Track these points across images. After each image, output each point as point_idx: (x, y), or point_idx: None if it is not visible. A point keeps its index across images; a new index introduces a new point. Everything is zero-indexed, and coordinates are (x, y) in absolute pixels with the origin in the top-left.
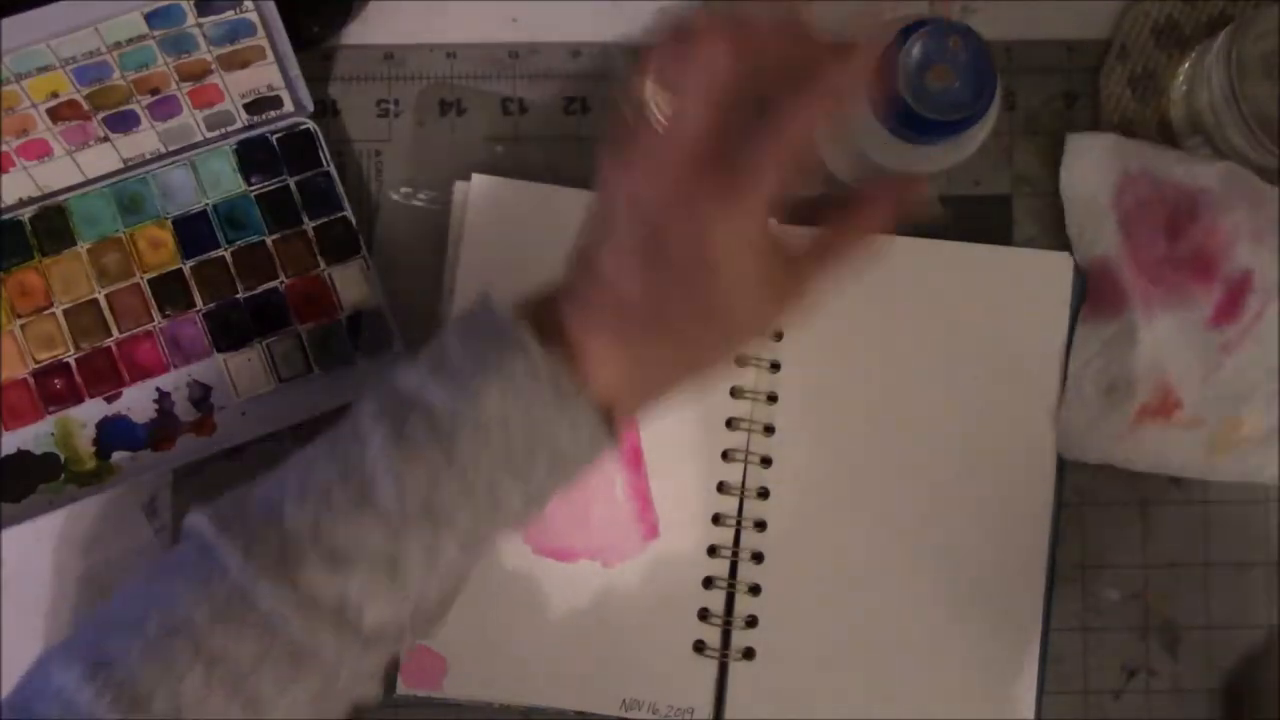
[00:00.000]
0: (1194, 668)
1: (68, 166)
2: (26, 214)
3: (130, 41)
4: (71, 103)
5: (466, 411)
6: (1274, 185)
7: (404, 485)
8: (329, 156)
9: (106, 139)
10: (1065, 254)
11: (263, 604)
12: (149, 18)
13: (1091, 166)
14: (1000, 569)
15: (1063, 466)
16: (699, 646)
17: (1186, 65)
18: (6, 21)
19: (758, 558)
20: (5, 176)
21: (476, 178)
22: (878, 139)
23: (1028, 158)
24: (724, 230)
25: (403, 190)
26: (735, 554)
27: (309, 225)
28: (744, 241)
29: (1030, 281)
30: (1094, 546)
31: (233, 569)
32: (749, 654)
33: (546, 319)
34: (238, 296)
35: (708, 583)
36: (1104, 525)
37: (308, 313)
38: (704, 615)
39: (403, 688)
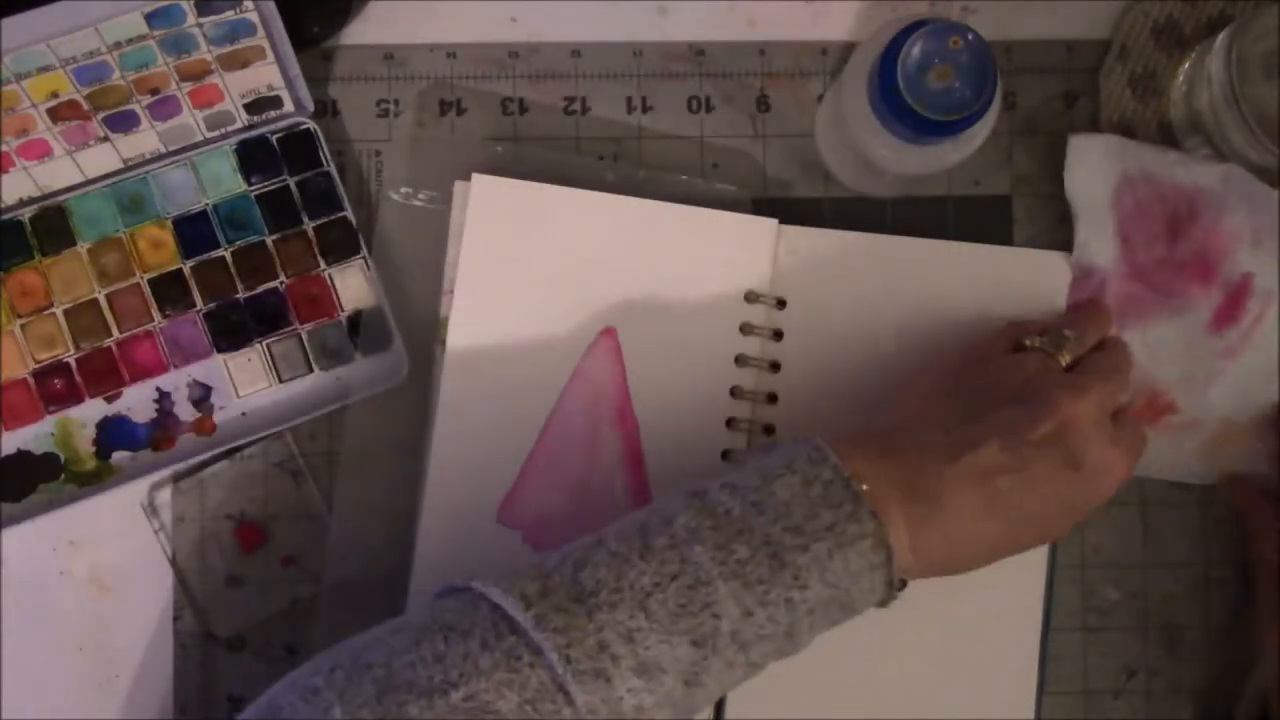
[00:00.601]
0: (1194, 668)
1: (68, 166)
2: (26, 214)
3: (130, 41)
4: (71, 103)
5: (793, 558)
6: (1274, 188)
7: (722, 608)
8: (329, 156)
9: (106, 139)
10: (1063, 253)
11: (577, 705)
12: (149, 18)
13: (1092, 168)
14: (1000, 569)
15: None
16: None
17: (1186, 65)
18: (6, 21)
19: None
20: (5, 176)
21: (476, 178)
22: (878, 139)
23: (1028, 158)
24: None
25: (403, 190)
26: None
27: (309, 225)
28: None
29: (1028, 281)
30: (1094, 546)
31: (554, 665)
32: None
33: (874, 481)
34: (238, 296)
35: None
36: (1104, 525)
37: (308, 313)
38: None
39: None
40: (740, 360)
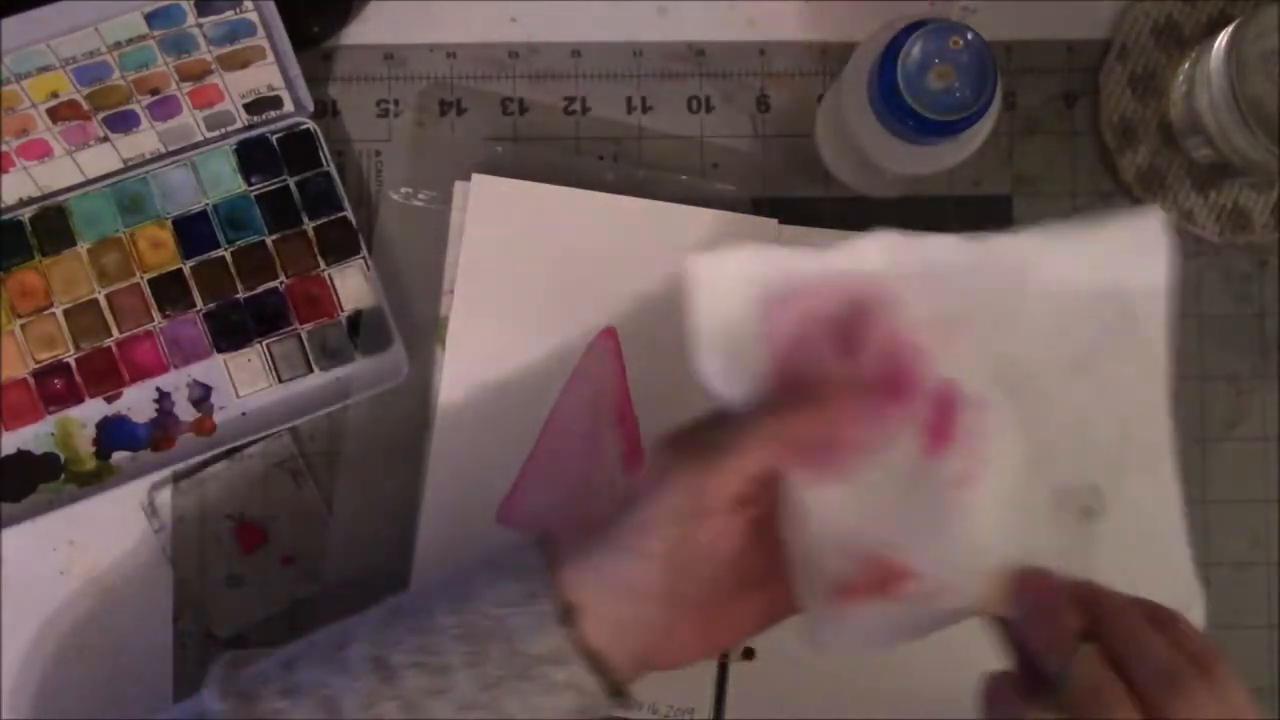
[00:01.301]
0: None
1: (68, 166)
2: (26, 214)
3: (130, 41)
4: (71, 103)
5: (453, 604)
6: (960, 241)
7: (370, 640)
8: (329, 156)
9: (106, 139)
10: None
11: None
12: (149, 18)
13: (723, 292)
14: None
15: None
16: None
17: (1186, 65)
18: (6, 21)
19: None
20: (5, 176)
21: (476, 178)
22: (878, 139)
23: (1028, 158)
24: None
25: (403, 190)
26: None
27: (309, 225)
28: None
29: None
30: None
31: (206, 697)
32: (749, 654)
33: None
34: (238, 296)
35: None
36: None
37: (308, 313)
38: None
39: None
40: None
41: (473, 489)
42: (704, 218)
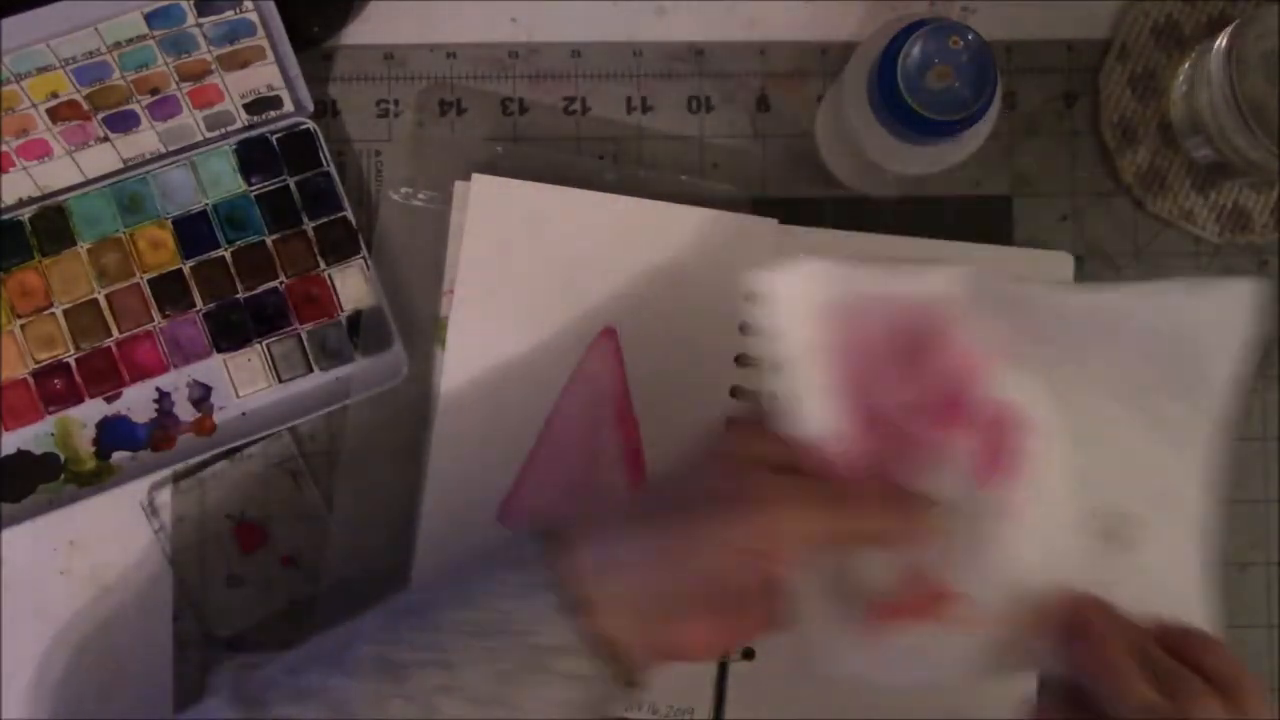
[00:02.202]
0: None
1: (68, 166)
2: (26, 214)
3: (130, 41)
4: (71, 103)
5: (456, 601)
6: (1038, 286)
7: (374, 641)
8: (329, 156)
9: (106, 139)
10: (1065, 254)
11: None
12: (149, 18)
13: (791, 304)
14: None
15: None
16: None
17: (1186, 65)
18: (6, 21)
19: None
20: (5, 176)
21: (476, 178)
22: (878, 139)
23: (1028, 158)
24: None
25: (403, 190)
26: None
27: (309, 225)
28: None
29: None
30: None
31: (213, 707)
32: (749, 654)
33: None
34: (238, 296)
35: None
36: None
37: (308, 313)
38: None
39: None
40: (740, 360)
41: (473, 489)
42: (704, 218)
